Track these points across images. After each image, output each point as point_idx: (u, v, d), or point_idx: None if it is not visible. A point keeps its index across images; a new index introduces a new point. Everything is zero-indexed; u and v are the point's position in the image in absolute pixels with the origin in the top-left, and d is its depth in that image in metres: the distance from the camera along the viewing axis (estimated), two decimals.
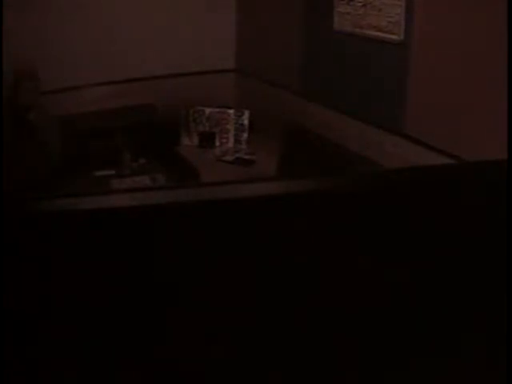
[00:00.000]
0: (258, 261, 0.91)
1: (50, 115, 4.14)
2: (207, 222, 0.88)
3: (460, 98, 3.04)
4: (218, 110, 4.84)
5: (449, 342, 1.02)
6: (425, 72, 3.27)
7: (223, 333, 0.93)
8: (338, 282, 0.95)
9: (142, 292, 0.88)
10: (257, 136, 4.78)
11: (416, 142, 3.31)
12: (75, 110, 4.42)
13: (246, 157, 4.63)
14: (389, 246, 0.96)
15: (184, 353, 0.92)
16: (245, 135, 4.83)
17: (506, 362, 1.01)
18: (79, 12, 4.51)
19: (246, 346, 0.94)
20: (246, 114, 4.80)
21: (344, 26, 3.83)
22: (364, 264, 0.95)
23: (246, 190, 0.94)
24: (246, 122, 4.81)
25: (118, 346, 0.90)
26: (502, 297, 1.00)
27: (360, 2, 3.67)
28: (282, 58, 4.54)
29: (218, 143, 4.85)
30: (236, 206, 0.90)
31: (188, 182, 4.10)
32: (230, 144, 4.84)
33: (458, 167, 1.32)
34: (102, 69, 4.59)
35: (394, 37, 3.42)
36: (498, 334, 1.02)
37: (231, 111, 4.83)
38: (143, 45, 4.72)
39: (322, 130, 4.04)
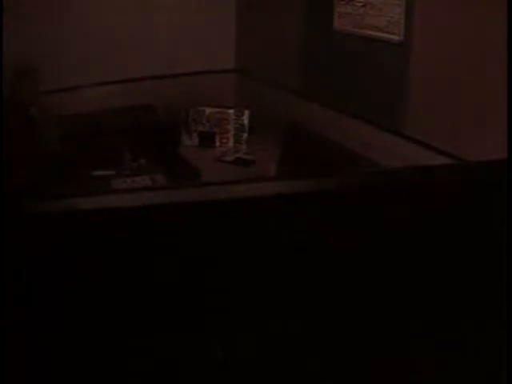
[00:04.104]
0: (257, 260, 0.91)
1: (50, 115, 4.14)
2: (207, 222, 0.88)
3: (460, 97, 3.04)
4: (217, 109, 4.83)
5: (449, 342, 1.02)
6: (425, 72, 3.27)
7: (220, 331, 0.93)
8: (338, 281, 0.95)
9: (142, 291, 0.88)
10: (257, 136, 4.78)
11: (416, 141, 3.31)
12: (75, 109, 4.42)
13: (246, 157, 4.63)
14: (389, 246, 0.96)
15: (179, 349, 0.92)
16: (245, 135, 4.83)
17: (506, 362, 1.01)
18: (79, 12, 4.51)
19: (246, 342, 0.94)
20: (246, 113, 4.80)
21: (344, 26, 3.83)
22: (364, 263, 0.95)
23: (246, 190, 0.94)
24: (246, 121, 4.81)
25: (116, 345, 0.90)
26: (501, 296, 1.00)
27: (360, 2, 3.67)
28: (282, 57, 4.54)
29: (218, 143, 4.85)
30: (236, 206, 0.90)
31: (188, 181, 4.10)
32: (230, 144, 4.84)
33: (458, 167, 1.32)
34: (102, 69, 4.58)
35: (393, 37, 3.42)
36: (498, 332, 1.02)
37: (231, 111, 4.83)
38: (143, 45, 4.71)
39: (322, 129, 4.04)
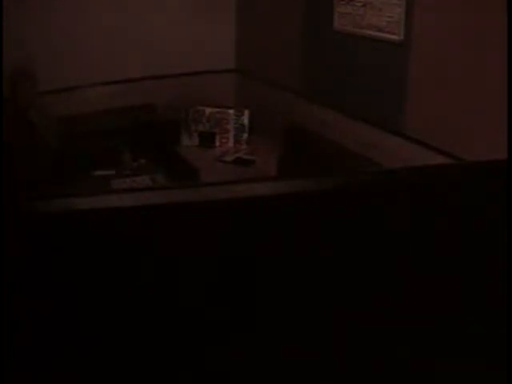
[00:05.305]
0: (257, 260, 0.91)
1: (49, 115, 4.14)
2: (207, 222, 0.88)
3: (460, 97, 3.04)
4: (217, 109, 4.84)
5: (449, 342, 1.02)
6: (425, 72, 3.27)
7: (221, 330, 0.93)
8: (338, 281, 0.95)
9: (142, 291, 0.88)
10: (257, 136, 4.78)
11: (416, 141, 3.31)
12: (75, 109, 4.42)
13: (246, 157, 4.63)
14: (389, 246, 0.96)
15: (183, 349, 0.92)
16: (245, 135, 4.83)
17: (506, 363, 1.01)
18: (79, 12, 4.51)
19: (245, 342, 0.94)
20: (246, 113, 4.80)
21: (344, 26, 3.83)
22: (364, 263, 0.95)
23: (246, 190, 0.94)
24: (246, 121, 4.81)
25: (117, 346, 0.90)
26: (502, 296, 1.00)
27: (360, 2, 3.67)
28: (282, 58, 4.54)
29: (218, 143, 4.85)
30: (236, 206, 0.90)
31: (188, 181, 4.10)
32: (230, 144, 4.84)
33: (458, 167, 1.32)
34: (102, 69, 4.58)
35: (394, 37, 3.42)
36: (498, 333, 1.02)
37: (231, 111, 4.83)
38: (143, 45, 4.71)
39: (322, 129, 4.04)
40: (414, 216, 0.96)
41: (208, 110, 4.84)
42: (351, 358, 0.99)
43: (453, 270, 0.99)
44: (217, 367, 0.94)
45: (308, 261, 0.92)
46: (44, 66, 4.09)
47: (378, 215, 0.94)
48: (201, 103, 4.82)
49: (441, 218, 0.97)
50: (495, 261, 0.99)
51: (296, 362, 0.96)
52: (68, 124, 4.28)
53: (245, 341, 0.94)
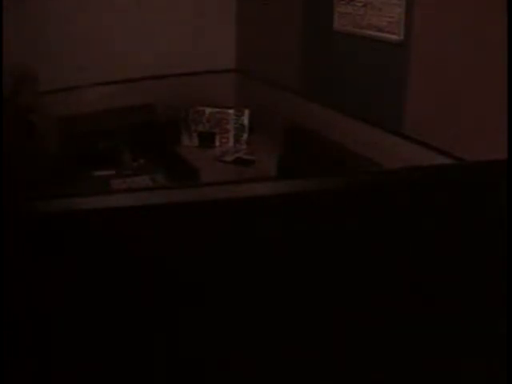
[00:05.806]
0: (258, 260, 0.91)
1: (50, 115, 4.14)
2: (207, 222, 0.88)
3: (460, 97, 3.04)
4: (217, 110, 4.83)
5: (449, 343, 1.02)
6: (425, 72, 3.27)
7: (221, 330, 0.93)
8: (338, 281, 0.95)
9: (142, 291, 0.88)
10: (257, 136, 4.78)
11: (416, 141, 3.31)
12: (75, 110, 4.42)
13: (246, 157, 4.63)
14: (389, 246, 0.96)
15: (185, 348, 0.92)
16: (245, 135, 4.83)
17: (506, 363, 1.01)
18: (79, 12, 4.51)
19: (243, 343, 0.94)
20: (246, 113, 4.80)
21: (344, 26, 3.83)
22: (364, 263, 0.95)
23: (246, 190, 0.94)
24: (246, 121, 4.81)
25: (118, 345, 0.90)
26: (502, 296, 1.00)
27: (360, 2, 3.67)
28: (282, 58, 4.54)
29: (217, 143, 4.85)
30: (236, 206, 0.90)
31: (188, 181, 4.10)
32: (230, 144, 4.84)
33: (458, 167, 1.32)
34: (102, 69, 4.58)
35: (394, 37, 3.42)
36: (498, 333, 1.02)
37: (231, 111, 4.83)
38: (143, 45, 4.71)
39: (322, 129, 4.04)
40: (414, 216, 0.96)
41: (208, 110, 4.84)
42: (351, 358, 0.99)
43: (453, 270, 0.99)
44: (217, 367, 0.94)
45: (308, 261, 0.92)
46: (44, 66, 4.09)
47: (377, 215, 0.94)
48: (201, 103, 4.82)
49: (441, 218, 0.97)
50: (495, 261, 0.99)
51: (296, 362, 0.96)
52: (68, 124, 4.28)
53: (245, 341, 0.94)
